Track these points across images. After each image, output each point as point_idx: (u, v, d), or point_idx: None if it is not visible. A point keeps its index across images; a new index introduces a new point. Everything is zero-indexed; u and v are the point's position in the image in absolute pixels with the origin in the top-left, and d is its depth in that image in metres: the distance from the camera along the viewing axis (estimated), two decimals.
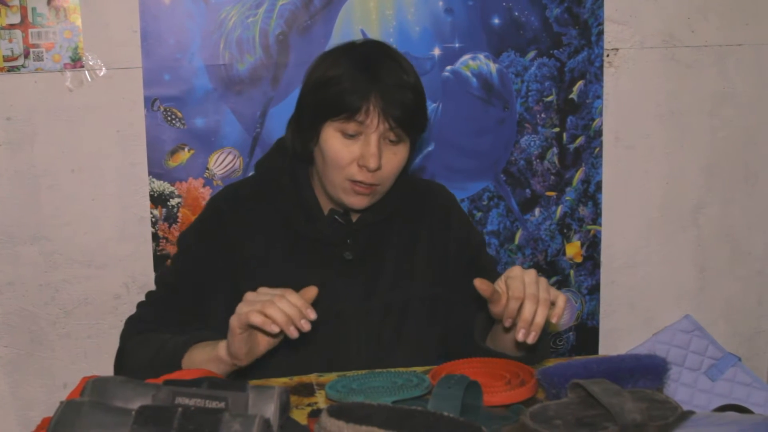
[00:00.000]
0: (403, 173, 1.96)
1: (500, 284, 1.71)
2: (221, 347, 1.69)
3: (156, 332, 1.85)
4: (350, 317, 1.93)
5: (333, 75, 1.83)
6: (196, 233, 1.99)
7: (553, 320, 1.69)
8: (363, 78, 1.81)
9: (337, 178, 1.86)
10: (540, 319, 1.66)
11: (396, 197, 1.98)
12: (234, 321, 1.63)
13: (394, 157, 1.86)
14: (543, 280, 1.70)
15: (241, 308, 1.62)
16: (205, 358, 1.71)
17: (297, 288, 1.66)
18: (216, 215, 1.98)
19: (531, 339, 1.66)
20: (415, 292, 1.98)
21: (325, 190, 1.93)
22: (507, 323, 1.70)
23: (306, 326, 1.59)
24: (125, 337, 1.90)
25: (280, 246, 1.94)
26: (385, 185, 1.89)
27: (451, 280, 1.99)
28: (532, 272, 1.70)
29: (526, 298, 1.66)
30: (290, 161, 1.96)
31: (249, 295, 1.64)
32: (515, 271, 1.71)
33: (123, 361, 1.88)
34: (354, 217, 1.97)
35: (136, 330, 1.89)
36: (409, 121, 1.84)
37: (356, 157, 1.83)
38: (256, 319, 1.59)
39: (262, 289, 1.64)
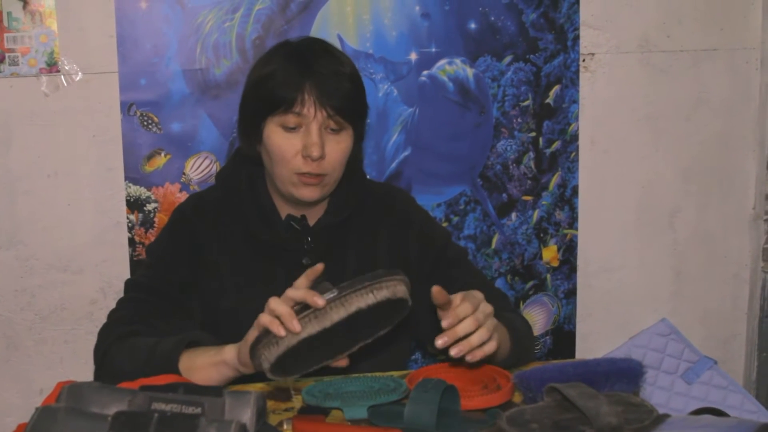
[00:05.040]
0: (360, 176, 2.00)
1: (457, 297, 1.65)
2: (228, 352, 1.68)
3: (139, 335, 1.82)
4: None
5: (267, 71, 1.87)
6: (164, 241, 2.01)
7: (468, 357, 1.61)
8: (295, 70, 1.84)
9: (284, 173, 1.88)
10: (475, 339, 1.60)
11: (353, 199, 1.99)
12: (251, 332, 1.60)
13: (338, 146, 1.88)
14: (491, 319, 1.65)
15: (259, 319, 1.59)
16: (208, 361, 1.70)
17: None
18: (183, 223, 1.99)
19: (469, 357, 1.60)
20: None
21: (278, 191, 1.94)
22: (439, 341, 1.61)
23: (320, 302, 1.52)
24: (103, 344, 1.85)
25: (242, 253, 1.95)
26: (333, 175, 1.90)
27: (418, 279, 1.87)
28: (490, 307, 1.66)
29: (469, 317, 1.61)
30: (248, 169, 1.99)
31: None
32: (478, 294, 1.67)
33: (106, 369, 1.82)
34: (311, 221, 1.97)
35: (115, 335, 1.84)
36: (347, 108, 1.86)
37: (299, 149, 1.85)
38: (264, 319, 1.55)
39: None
